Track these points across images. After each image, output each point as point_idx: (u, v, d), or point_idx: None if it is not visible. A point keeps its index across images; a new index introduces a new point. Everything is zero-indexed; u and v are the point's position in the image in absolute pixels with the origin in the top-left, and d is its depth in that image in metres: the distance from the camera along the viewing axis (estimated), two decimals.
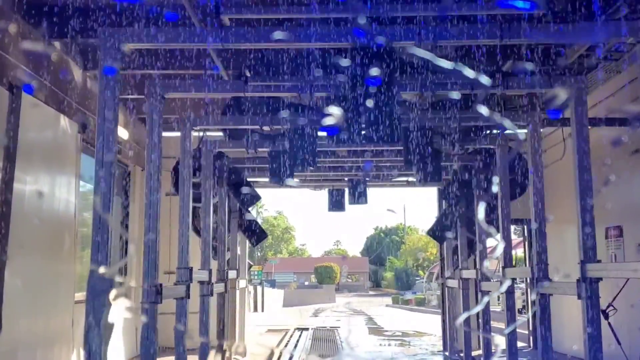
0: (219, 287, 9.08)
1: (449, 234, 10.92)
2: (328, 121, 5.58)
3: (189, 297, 6.88)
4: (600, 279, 5.64)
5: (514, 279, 8.59)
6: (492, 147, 8.75)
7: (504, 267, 8.14)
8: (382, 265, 67.94)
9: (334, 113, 5.32)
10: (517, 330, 8.73)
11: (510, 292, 8.12)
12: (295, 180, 10.82)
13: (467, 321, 10.75)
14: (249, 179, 10.71)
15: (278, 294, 34.84)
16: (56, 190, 7.75)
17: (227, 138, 9.05)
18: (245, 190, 10.33)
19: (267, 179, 9.68)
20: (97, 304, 4.66)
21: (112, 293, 4.52)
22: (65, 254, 8.32)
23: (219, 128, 8.88)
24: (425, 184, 9.99)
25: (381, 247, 68.93)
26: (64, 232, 8.31)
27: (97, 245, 4.76)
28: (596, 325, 5.57)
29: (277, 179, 8.33)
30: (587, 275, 5.60)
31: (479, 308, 9.73)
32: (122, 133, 10.06)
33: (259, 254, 53.16)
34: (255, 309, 24.17)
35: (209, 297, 8.11)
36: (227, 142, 9.07)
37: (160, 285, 5.86)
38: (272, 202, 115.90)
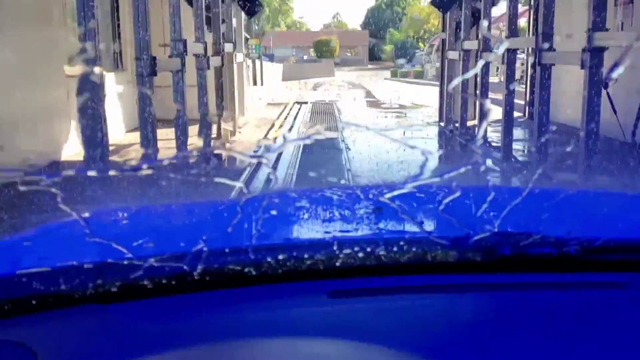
0: (215, 61, 8.92)
1: (454, 2, 10.45)
2: None
3: (185, 71, 6.77)
4: (606, 48, 5.47)
5: (516, 49, 8.39)
6: None
7: (507, 37, 7.90)
8: (383, 39, 66.82)
9: None
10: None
11: (510, 62, 7.98)
12: None
13: (464, 92, 10.75)
14: None
15: (277, 68, 34.67)
16: None
17: None
18: None
19: None
20: (86, 81, 4.54)
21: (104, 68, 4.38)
22: (55, 24, 8.04)
23: None
24: None
25: (383, 20, 67.06)
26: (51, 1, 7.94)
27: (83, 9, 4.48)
28: (596, 96, 5.53)
29: None
30: (594, 44, 5.41)
31: (473, 73, 9.68)
32: None
33: (256, 28, 51.87)
34: (255, 83, 24.18)
35: (206, 71, 7.99)
36: None
37: (154, 57, 5.71)
38: None
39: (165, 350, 0.86)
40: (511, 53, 7.87)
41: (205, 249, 1.01)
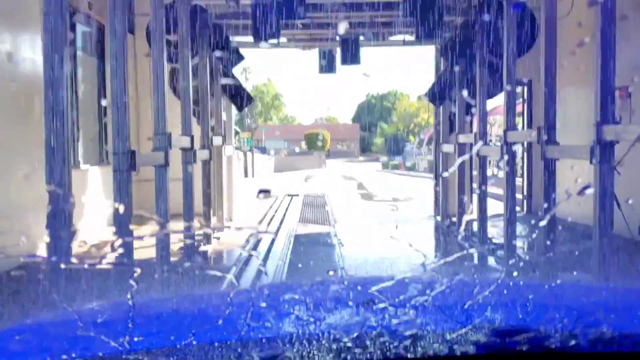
0: (203, 154, 8.59)
1: (448, 96, 10.32)
2: None
3: (168, 165, 6.38)
4: (617, 142, 5.14)
5: (514, 143, 8.13)
6: None
7: (505, 130, 7.63)
8: (373, 132, 67.85)
9: None
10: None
11: (510, 157, 7.68)
12: (283, 39, 10.02)
13: (461, 187, 10.44)
14: (232, 39, 9.88)
15: (269, 160, 34.76)
16: (20, 50, 7.00)
17: None
18: (228, 49, 9.54)
19: (251, 39, 8.86)
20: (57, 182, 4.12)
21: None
22: (36, 119, 7.72)
23: None
24: (423, 40, 9.26)
25: (373, 114, 68.39)
26: (33, 96, 7.65)
27: (51, 117, 4.08)
28: (608, 192, 5.15)
29: (262, 36, 7.55)
30: (604, 138, 5.08)
31: (464, 162, 9.38)
32: None
33: (249, 121, 52.67)
34: (246, 175, 24.05)
35: (192, 165, 7.62)
36: None
37: (133, 151, 5.32)
38: (261, 69, 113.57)
39: None
40: (510, 146, 7.58)
41: (194, 342, 1.02)
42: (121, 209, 5.26)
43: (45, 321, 1.29)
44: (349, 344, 1.05)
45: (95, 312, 1.38)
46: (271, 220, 12.16)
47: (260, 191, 8.84)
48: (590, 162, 5.21)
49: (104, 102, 10.22)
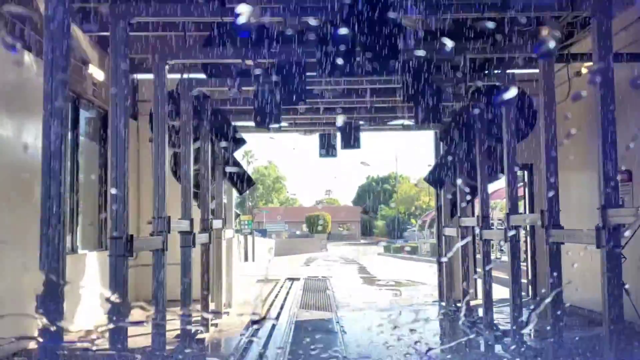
0: (202, 238, 8.49)
1: (448, 180, 10.32)
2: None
3: (166, 249, 6.28)
4: (623, 225, 5.06)
5: (519, 227, 8.04)
6: (497, 84, 8.05)
7: (508, 214, 7.56)
8: (374, 214, 67.88)
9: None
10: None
11: (514, 240, 7.58)
12: (284, 124, 10.14)
13: (465, 271, 10.25)
14: (233, 123, 10.01)
15: (269, 243, 34.55)
16: (23, 135, 7.06)
17: (208, 76, 8.27)
18: (229, 133, 9.63)
19: (253, 123, 8.96)
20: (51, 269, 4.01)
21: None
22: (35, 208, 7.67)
23: (195, 62, 8.07)
24: (423, 125, 9.35)
25: (374, 197, 68.66)
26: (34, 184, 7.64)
27: (48, 198, 4.02)
28: (616, 277, 5.02)
29: (264, 121, 7.61)
30: (609, 222, 5.00)
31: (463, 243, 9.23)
32: (98, 74, 9.29)
33: (250, 204, 52.81)
34: (246, 259, 23.79)
35: (191, 249, 7.51)
36: (208, 82, 8.30)
37: (131, 236, 5.23)
38: (262, 152, 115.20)
39: None
40: (514, 230, 7.49)
41: None
42: (116, 296, 5.12)
43: None
44: None
45: None
46: (271, 305, 11.89)
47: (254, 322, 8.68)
48: (597, 247, 5.11)
49: (105, 187, 10.22)
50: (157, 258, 6.23)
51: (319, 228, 59.53)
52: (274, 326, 9.23)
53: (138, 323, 5.99)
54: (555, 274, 6.19)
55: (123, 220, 5.14)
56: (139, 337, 6.60)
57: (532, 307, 10.43)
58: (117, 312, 5.08)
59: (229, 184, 10.99)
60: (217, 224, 9.54)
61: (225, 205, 10.81)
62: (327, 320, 9.62)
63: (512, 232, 7.26)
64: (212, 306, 9.38)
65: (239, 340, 8.12)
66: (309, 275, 18.54)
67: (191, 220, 7.56)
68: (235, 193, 12.17)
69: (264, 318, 10.38)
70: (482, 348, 8.03)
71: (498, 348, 7.87)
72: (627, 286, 5.66)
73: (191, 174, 7.88)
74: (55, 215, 3.89)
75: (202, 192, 9.04)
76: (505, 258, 10.45)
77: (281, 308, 11.45)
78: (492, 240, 8.84)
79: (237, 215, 17.31)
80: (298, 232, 57.68)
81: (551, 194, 6.21)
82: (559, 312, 6.24)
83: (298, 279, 16.93)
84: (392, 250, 38.65)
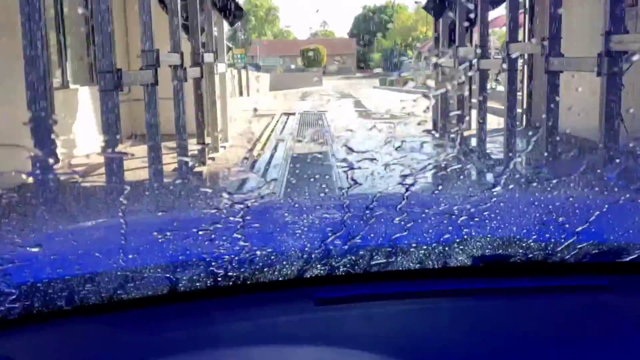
0: (193, 72, 8.30)
1: (447, 7, 9.91)
2: None
3: (157, 84, 6.14)
4: (626, 52, 4.91)
5: (517, 56, 7.84)
6: None
7: (507, 42, 7.34)
8: (370, 47, 66.52)
9: None
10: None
11: (512, 69, 7.42)
12: None
13: (460, 101, 10.19)
14: None
15: (264, 77, 34.16)
16: None
17: None
18: None
19: None
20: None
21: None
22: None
23: None
24: None
25: (370, 28, 66.75)
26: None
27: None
28: (615, 104, 4.97)
29: None
30: (612, 49, 4.84)
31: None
32: None
33: (242, 37, 51.40)
34: (241, 94, 23.62)
35: (182, 83, 7.37)
36: None
37: (120, 70, 5.08)
38: None
39: None
40: (512, 60, 7.31)
41: (191, 259, 1.04)
42: (109, 128, 5.08)
43: (36, 240, 1.25)
44: (345, 259, 1.06)
45: (87, 229, 1.37)
46: (267, 139, 11.99)
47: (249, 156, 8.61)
48: (598, 74, 5.00)
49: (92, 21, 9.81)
50: (148, 93, 6.12)
51: (314, 62, 58.61)
52: (270, 160, 9.36)
53: (128, 154, 6.03)
54: (552, 104, 6.14)
55: (110, 54, 4.95)
56: (136, 171, 6.69)
57: (527, 135, 10.53)
58: (110, 146, 5.09)
59: (218, 15, 10.55)
60: (208, 57, 9.29)
61: (217, 38, 10.46)
62: (323, 153, 9.73)
63: (512, 61, 7.10)
64: (207, 141, 9.43)
65: (236, 172, 8.26)
66: (304, 110, 18.54)
67: (181, 54, 7.34)
68: (226, 26, 11.74)
69: (260, 152, 10.50)
70: (474, 177, 8.21)
71: (490, 176, 8.05)
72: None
73: (178, 3, 7.50)
74: (36, 49, 3.72)
75: (191, 23, 8.68)
76: (501, 88, 10.34)
77: (277, 142, 11.56)
78: (488, 70, 8.67)
79: (229, 49, 16.88)
80: (293, 66, 56.84)
81: (552, 20, 5.96)
82: (552, 140, 6.28)
83: (294, 114, 16.94)
84: (388, 82, 38.36)
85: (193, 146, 8.65)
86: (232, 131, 11.35)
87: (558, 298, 1.06)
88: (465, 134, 10.17)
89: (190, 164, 7.71)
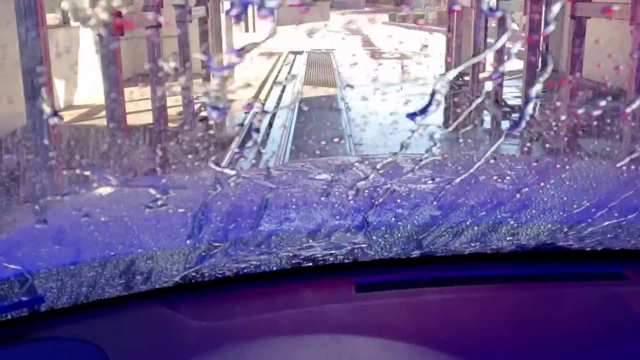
0: (199, 11, 7.93)
1: None
2: None
3: (160, 26, 5.83)
4: None
5: None
6: None
7: None
8: None
9: None
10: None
11: (534, 11, 7.03)
12: None
13: (476, 42, 9.78)
14: None
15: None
16: None
17: None
18: None
19: None
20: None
21: None
22: None
23: None
24: None
25: None
26: None
27: None
28: None
29: None
30: None
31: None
32: None
33: None
34: (247, 30, 23.01)
35: (187, 24, 7.03)
36: None
37: (119, 12, 4.77)
38: None
39: (215, 348, 0.86)
40: (535, 1, 6.92)
41: (223, 242, 1.02)
42: (110, 74, 4.83)
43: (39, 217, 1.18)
44: (383, 243, 1.05)
45: (90, 201, 1.30)
46: (275, 81, 11.65)
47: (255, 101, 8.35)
48: (630, 23, 4.66)
49: None
50: (151, 34, 5.81)
51: None
52: (278, 104, 9.07)
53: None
54: (577, 49, 5.81)
55: None
56: (140, 115, 6.47)
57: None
58: (111, 87, 4.85)
59: None
60: None
61: None
62: (331, 97, 9.44)
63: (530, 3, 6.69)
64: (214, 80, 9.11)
65: (244, 118, 8.01)
66: (312, 49, 18.05)
67: None
68: None
69: (267, 95, 10.21)
70: (489, 124, 7.93)
71: (505, 124, 7.78)
72: None
73: None
74: None
75: None
76: (519, 28, 9.91)
77: (285, 84, 11.24)
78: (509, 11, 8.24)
79: None
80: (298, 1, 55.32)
81: None
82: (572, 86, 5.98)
83: (301, 53, 16.48)
84: (398, 18, 37.35)
85: (197, 89, 8.35)
86: (239, 72, 11.01)
87: (569, 287, 1.04)
88: (481, 76, 9.82)
89: (195, 108, 7.46)
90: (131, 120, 5.80)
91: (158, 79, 5.94)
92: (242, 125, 7.57)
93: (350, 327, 0.91)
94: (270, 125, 7.59)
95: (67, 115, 7.87)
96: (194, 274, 0.99)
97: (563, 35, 8.84)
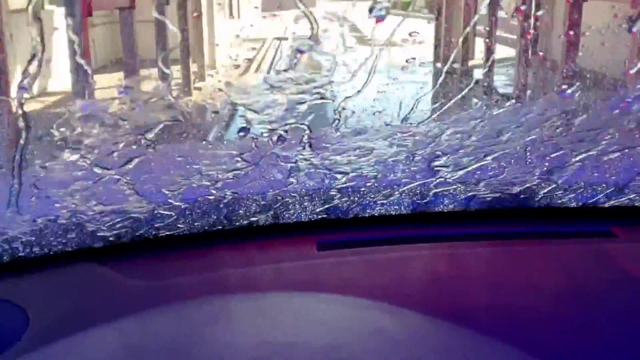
0: None
1: None
2: None
3: (133, 7, 5.52)
4: None
5: None
6: None
7: None
8: None
9: None
10: None
11: None
12: None
13: (466, 29, 9.54)
14: None
15: None
16: None
17: None
18: None
19: None
20: None
21: None
22: None
23: None
24: None
25: None
26: None
27: None
28: None
29: None
30: None
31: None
32: None
33: None
34: (231, 14, 22.58)
35: (164, 6, 6.72)
36: None
37: None
38: None
39: (158, 306, 0.84)
40: None
41: (193, 205, 1.02)
42: (79, 57, 4.49)
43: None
44: (347, 203, 1.06)
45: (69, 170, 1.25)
46: (258, 67, 11.36)
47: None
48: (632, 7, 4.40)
49: None
50: (125, 16, 5.50)
51: None
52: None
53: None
54: (573, 30, 5.58)
55: None
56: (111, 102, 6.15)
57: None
58: (80, 78, 4.55)
59: None
60: None
61: None
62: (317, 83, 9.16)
63: None
64: (193, 68, 8.81)
65: (225, 105, 7.73)
66: (298, 35, 17.69)
67: None
68: None
69: (249, 81, 9.91)
70: (480, 112, 7.71)
71: (497, 111, 7.55)
72: None
73: None
74: None
75: None
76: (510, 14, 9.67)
77: (269, 71, 10.93)
78: None
79: None
80: None
81: None
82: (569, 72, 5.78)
83: (286, 39, 16.15)
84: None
85: (177, 76, 8.06)
86: (221, 58, 10.68)
87: (559, 244, 1.04)
88: (470, 64, 9.60)
89: (174, 95, 7.14)
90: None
91: (132, 65, 5.65)
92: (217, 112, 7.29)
93: (309, 284, 0.91)
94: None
95: (39, 103, 7.57)
96: (133, 233, 0.98)
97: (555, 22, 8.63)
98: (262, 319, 0.80)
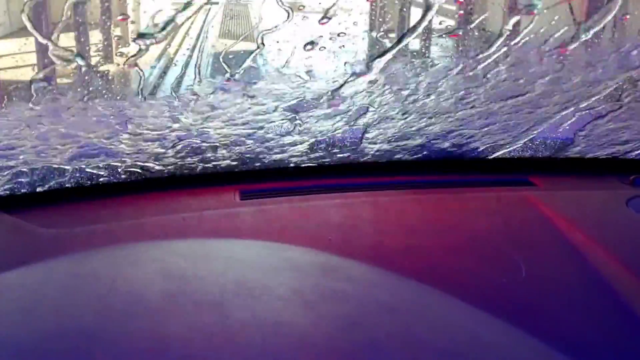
0: None
1: None
2: None
3: None
4: None
5: None
6: None
7: None
8: None
9: None
10: None
11: None
12: None
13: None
14: None
15: None
16: None
17: None
18: None
19: None
20: None
21: None
22: None
23: None
24: None
25: None
26: None
27: None
28: None
29: None
30: None
31: None
32: None
33: None
34: None
35: None
36: None
37: None
38: None
39: (69, 254, 0.82)
40: None
41: (108, 152, 1.01)
42: None
43: None
44: (269, 153, 1.09)
45: None
46: (186, 33, 10.86)
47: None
48: None
49: None
50: None
51: None
52: (190, 57, 8.36)
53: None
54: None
55: None
56: (17, 70, 5.63)
57: None
58: None
59: None
60: None
61: None
62: (250, 51, 8.84)
63: None
64: (116, 32, 8.25)
65: (150, 73, 7.28)
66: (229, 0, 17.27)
67: None
68: None
69: (178, 47, 9.47)
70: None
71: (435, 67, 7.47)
72: None
73: None
74: None
75: None
76: None
77: (198, 37, 10.46)
78: None
79: None
80: None
81: None
82: None
83: (217, 3, 15.66)
84: None
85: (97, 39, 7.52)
86: (145, 20, 10.14)
87: (477, 192, 1.12)
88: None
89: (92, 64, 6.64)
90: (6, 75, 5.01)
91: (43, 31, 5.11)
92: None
93: (231, 231, 0.94)
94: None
95: None
96: (43, 182, 0.98)
97: None
98: (175, 261, 0.76)
